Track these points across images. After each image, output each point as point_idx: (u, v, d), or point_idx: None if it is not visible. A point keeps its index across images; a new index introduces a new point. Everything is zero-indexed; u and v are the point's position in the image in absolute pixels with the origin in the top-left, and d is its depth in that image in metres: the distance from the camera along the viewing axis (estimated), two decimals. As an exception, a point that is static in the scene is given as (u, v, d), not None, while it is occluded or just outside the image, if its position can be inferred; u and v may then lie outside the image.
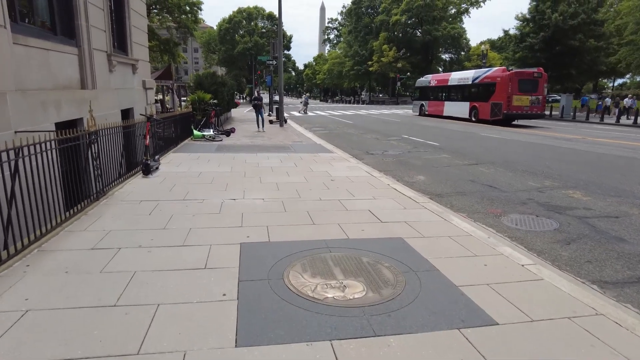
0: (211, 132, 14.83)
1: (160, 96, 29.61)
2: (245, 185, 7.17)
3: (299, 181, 7.70)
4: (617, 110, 26.23)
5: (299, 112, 37.12)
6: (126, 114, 10.04)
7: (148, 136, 8.27)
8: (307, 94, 43.56)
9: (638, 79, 49.22)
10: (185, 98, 23.04)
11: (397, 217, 5.46)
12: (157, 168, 8.42)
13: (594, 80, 48.21)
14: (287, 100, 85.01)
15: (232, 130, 16.69)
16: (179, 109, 19.44)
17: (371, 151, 12.88)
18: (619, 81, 63.47)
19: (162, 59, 30.96)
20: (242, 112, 35.40)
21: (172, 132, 12.46)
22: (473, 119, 25.18)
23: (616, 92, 43.76)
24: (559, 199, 6.93)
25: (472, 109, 25.34)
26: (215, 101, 17.52)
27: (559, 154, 12.24)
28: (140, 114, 9.27)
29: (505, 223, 5.72)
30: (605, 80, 64.28)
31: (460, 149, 13.16)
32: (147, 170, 7.84)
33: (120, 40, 10.35)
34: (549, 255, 4.58)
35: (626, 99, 25.46)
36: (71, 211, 5.06)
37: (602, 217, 5.95)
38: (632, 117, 24.95)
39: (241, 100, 46.91)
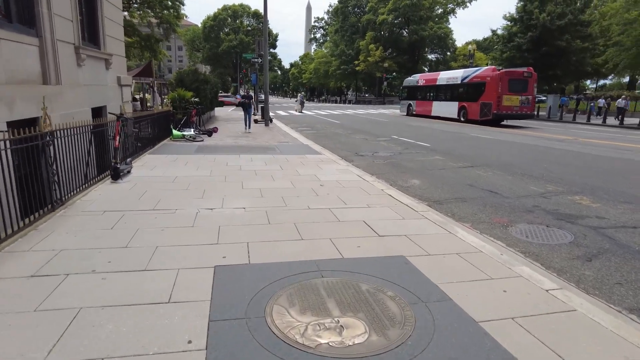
0: (192, 132, 14.03)
1: (140, 94, 28.57)
2: (225, 192, 6.46)
3: (285, 186, 7.03)
4: (605, 110, 26.24)
5: (295, 112, 36.68)
6: (98, 112, 9.23)
7: (118, 137, 7.49)
8: (302, 93, 43.30)
9: (624, 80, 49.81)
10: (166, 96, 22.18)
11: (396, 230, 4.84)
12: (128, 172, 7.65)
13: (578, 81, 48.59)
14: (273, 99, 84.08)
15: (215, 130, 15.91)
16: (160, 107, 18.57)
17: (361, 152, 12.27)
18: (601, 82, 64.34)
19: (143, 55, 29.84)
20: (227, 111, 34.50)
21: (150, 132, 11.66)
22: (462, 119, 24.82)
23: (599, 93, 44.13)
24: (566, 206, 6.41)
25: (460, 109, 24.97)
26: (196, 99, 16.71)
27: (555, 155, 11.82)
28: (110, 113, 8.47)
29: (514, 235, 5.15)
30: (588, 82, 65.09)
31: (453, 151, 12.65)
32: (117, 175, 7.07)
33: (91, 32, 9.51)
34: (571, 276, 4.01)
35: (618, 100, 25.40)
36: (18, 225, 4.31)
37: (619, 227, 5.43)
38: (620, 118, 24.94)
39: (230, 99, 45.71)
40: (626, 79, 52.47)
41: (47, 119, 5.37)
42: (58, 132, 5.44)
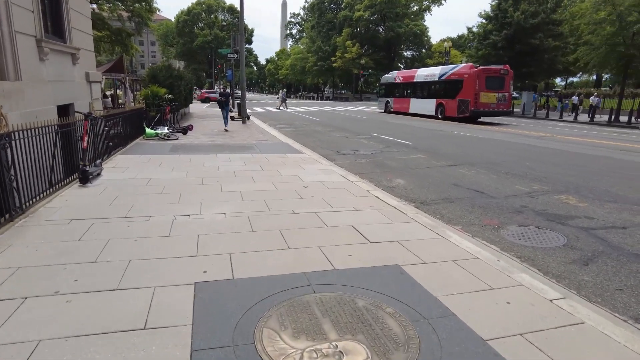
0: (165, 130, 13.47)
1: (111, 91, 27.47)
2: (203, 196, 6.08)
3: (267, 189, 6.70)
4: (578, 108, 26.96)
5: (277, 108, 36.28)
6: (65, 110, 8.64)
7: (86, 137, 6.98)
8: (284, 90, 42.92)
9: (591, 78, 51.35)
10: (139, 93, 21.31)
11: (387, 235, 4.60)
12: (98, 175, 7.15)
13: (549, 78, 49.88)
14: (249, 95, 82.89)
15: (190, 128, 15.36)
16: (132, 104, 17.81)
17: (342, 151, 12.02)
18: (571, 79, 66.26)
19: (114, 50, 28.62)
20: (202, 108, 33.70)
21: (121, 130, 11.08)
22: (439, 116, 24.93)
23: (568, 90, 45.41)
24: (554, 206, 6.33)
25: (438, 106, 25.08)
26: (170, 96, 16.09)
27: (536, 153, 11.88)
28: (76, 112, 7.92)
29: (507, 237, 4.99)
30: (558, 80, 66.94)
31: (434, 149, 12.56)
32: (85, 178, 6.58)
33: (55, 24, 8.89)
34: (571, 282, 3.86)
35: (592, 97, 26.06)
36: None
37: (609, 227, 5.36)
38: (591, 115, 25.60)
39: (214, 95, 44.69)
40: (594, 77, 54.30)
41: (2, 118, 4.86)
42: (16, 133, 4.94)
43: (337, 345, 2.51)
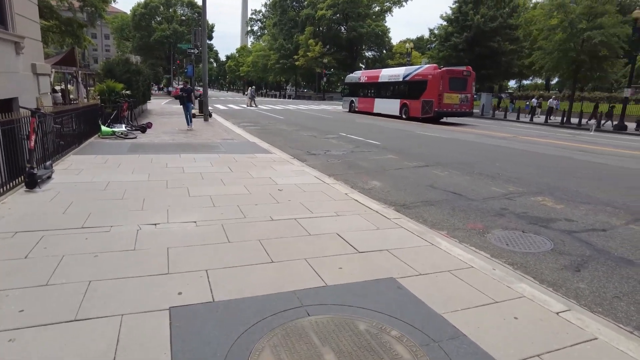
0: (123, 127, 12.61)
1: (62, 85, 25.70)
2: (169, 201, 5.55)
3: (240, 192, 6.25)
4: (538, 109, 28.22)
5: (246, 106, 35.67)
6: (8, 105, 7.75)
7: (33, 136, 6.24)
8: (253, 87, 42.00)
9: (539, 81, 53.88)
10: (93, 88, 19.97)
11: (375, 243, 4.31)
12: (48, 178, 6.42)
13: (504, 81, 51.91)
14: (210, 92, 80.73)
15: (149, 126, 14.48)
16: (86, 100, 16.61)
17: (312, 151, 11.68)
18: (524, 82, 69.32)
19: (64, 41, 26.69)
20: (160, 104, 32.29)
21: (74, 128, 10.18)
22: (404, 116, 25.14)
23: (522, 93, 47.46)
24: (533, 208, 6.29)
25: (402, 106, 25.28)
26: (128, 92, 15.13)
27: (503, 154, 12.07)
28: (21, 107, 7.11)
29: (494, 243, 4.84)
30: (511, 83, 69.91)
31: (404, 149, 12.49)
32: (33, 182, 5.86)
33: (-6, 10, 7.96)
34: (568, 290, 3.72)
35: (550, 100, 27.24)
36: None
37: (590, 230, 5.35)
38: (558, 117, 26.82)
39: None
40: (544, 80, 57.11)
41: None
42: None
43: (345, 382, 2.16)
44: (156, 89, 54.52)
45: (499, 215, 5.96)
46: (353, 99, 31.30)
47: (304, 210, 5.44)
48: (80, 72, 20.79)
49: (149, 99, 26.39)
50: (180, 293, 3.04)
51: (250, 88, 40.77)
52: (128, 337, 2.47)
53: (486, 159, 10.99)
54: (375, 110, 28.16)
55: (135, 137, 12.16)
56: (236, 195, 6.04)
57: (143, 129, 13.72)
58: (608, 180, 8.57)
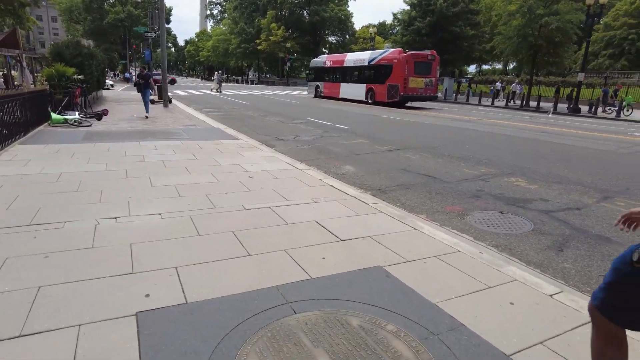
0: (76, 115, 11.72)
1: (4, 70, 23.74)
2: (130, 193, 5.08)
3: (207, 181, 5.85)
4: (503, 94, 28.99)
5: (212, 91, 34.33)
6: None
7: (-31, 123, 5.54)
8: (220, 72, 40.51)
9: (497, 66, 55.37)
10: (40, 73, 18.47)
11: (357, 230, 4.08)
12: (-12, 170, 5.75)
13: (468, 65, 53.00)
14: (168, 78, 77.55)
15: (104, 113, 13.56)
16: (32, 85, 15.33)
17: (281, 136, 11.31)
18: (483, 67, 71.12)
19: (4, 22, 24.60)
20: (116, 91, 30.65)
21: (19, 115, 9.29)
22: (369, 101, 25.07)
23: (482, 77, 48.63)
24: (508, 189, 6.28)
25: (368, 91, 25.18)
26: (80, 77, 14.08)
27: (471, 137, 12.16)
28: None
29: (475, 225, 4.74)
30: (471, 68, 71.55)
31: (373, 133, 12.34)
32: (-30, 175, 5.21)
33: None
34: (555, 271, 3.65)
35: (513, 84, 27.94)
36: None
37: (566, 209, 5.37)
38: (519, 101, 27.62)
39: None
40: (502, 65, 58.76)
41: None
42: None
43: (344, 389, 1.92)
44: (112, 75, 51.65)
45: (476, 196, 5.89)
46: (318, 84, 30.90)
47: (278, 197, 5.14)
48: (24, 55, 19.20)
49: (104, 86, 24.91)
50: (147, 295, 2.69)
51: (217, 73, 39.43)
52: (88, 352, 2.11)
53: (455, 141, 11.02)
54: (341, 95, 27.94)
55: (90, 125, 11.33)
56: (204, 184, 5.64)
57: (98, 116, 12.81)
58: (575, 161, 8.77)
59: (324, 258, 3.41)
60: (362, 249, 3.64)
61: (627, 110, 22.08)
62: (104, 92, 26.15)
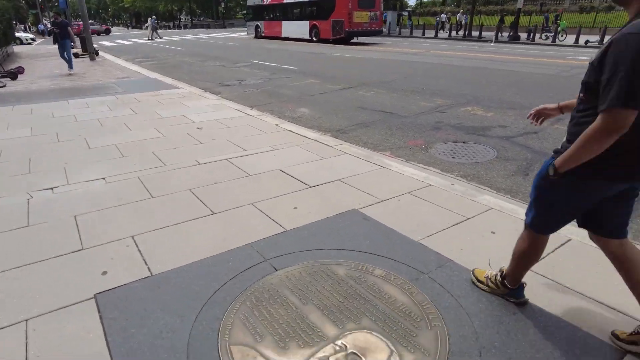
0: (-16, 76, 10.21)
1: None
2: (65, 158, 4.49)
3: (152, 137, 5.31)
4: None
5: (147, 39, 30.93)
6: None
7: None
8: (153, 17, 36.24)
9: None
10: None
11: (324, 175, 3.87)
12: None
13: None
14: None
15: (20, 71, 11.96)
16: None
17: (225, 82, 10.58)
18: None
19: None
20: (31, 46, 27.25)
21: None
22: (314, 38, 24.06)
23: (423, 9, 48.06)
24: (466, 119, 6.26)
25: (312, 28, 24.07)
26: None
27: (421, 69, 12.01)
28: None
29: (440, 157, 4.68)
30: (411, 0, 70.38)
31: (322, 72, 11.86)
32: None
33: None
34: (524, 196, 3.66)
35: (459, 15, 27.76)
36: None
37: (524, 134, 5.43)
38: (461, 32, 27.59)
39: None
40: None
41: None
42: None
43: (344, 345, 1.77)
44: (22, 28, 45.57)
45: (436, 128, 5.82)
46: (258, 23, 29.13)
47: (234, 148, 4.76)
48: None
49: (14, 40, 21.97)
50: (104, 273, 2.35)
51: (150, 18, 35.80)
52: (42, 353, 1.79)
53: (406, 75, 10.84)
54: (284, 34, 26.60)
55: (4, 86, 9.96)
56: (148, 141, 5.12)
57: (13, 75, 11.27)
58: (524, 86, 8.92)
59: (295, 208, 3.18)
60: (333, 194, 3.44)
61: (562, 36, 22.77)
62: (16, 48, 23.17)
